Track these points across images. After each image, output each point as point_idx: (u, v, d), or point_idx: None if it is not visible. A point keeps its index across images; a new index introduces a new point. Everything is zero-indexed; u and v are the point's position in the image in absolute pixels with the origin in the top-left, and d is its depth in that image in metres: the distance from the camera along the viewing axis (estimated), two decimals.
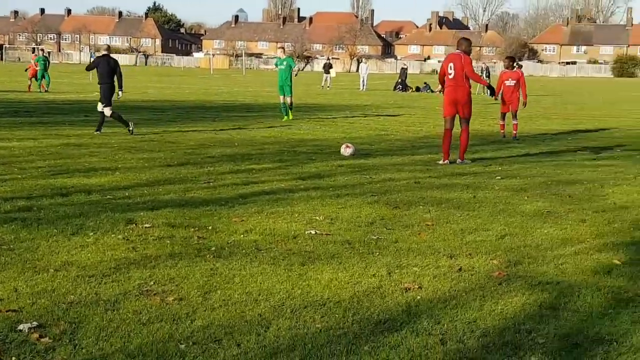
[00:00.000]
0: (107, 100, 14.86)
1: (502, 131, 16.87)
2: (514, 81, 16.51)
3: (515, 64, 16.84)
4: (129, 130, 14.89)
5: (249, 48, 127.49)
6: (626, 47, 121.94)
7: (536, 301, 4.90)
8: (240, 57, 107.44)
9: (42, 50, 34.66)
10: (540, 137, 17.03)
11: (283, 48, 20.91)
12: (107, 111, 14.86)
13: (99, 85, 15.01)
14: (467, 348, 4.11)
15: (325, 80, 46.35)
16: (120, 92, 15.25)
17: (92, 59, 48.41)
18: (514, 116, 16.60)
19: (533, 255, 6.11)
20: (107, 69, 14.77)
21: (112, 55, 15.42)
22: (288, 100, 19.64)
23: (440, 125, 14.24)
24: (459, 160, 12.02)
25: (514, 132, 16.56)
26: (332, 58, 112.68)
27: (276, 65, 19.89)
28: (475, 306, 4.78)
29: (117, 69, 14.88)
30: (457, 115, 12.02)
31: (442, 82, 12.19)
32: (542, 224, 7.30)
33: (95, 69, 15.08)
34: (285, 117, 19.68)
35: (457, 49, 12.00)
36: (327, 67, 47.56)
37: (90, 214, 7.17)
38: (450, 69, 11.75)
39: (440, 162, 11.98)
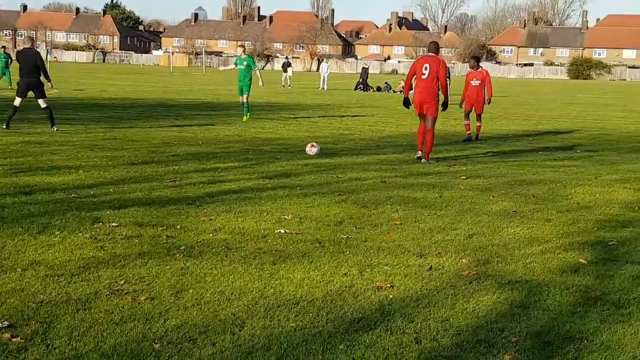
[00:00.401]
0: (42, 93, 15.01)
1: (469, 132, 16.52)
2: (479, 81, 16.49)
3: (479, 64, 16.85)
4: (53, 128, 14.94)
5: (209, 46, 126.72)
6: (582, 50, 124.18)
7: (507, 300, 4.97)
8: (200, 55, 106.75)
9: (4, 47, 33.89)
10: (502, 138, 17.25)
11: (243, 47, 20.40)
12: (43, 103, 14.97)
13: (20, 79, 14.97)
14: (441, 346, 4.15)
15: (285, 79, 46.41)
16: (50, 84, 15.47)
17: (49, 56, 46.54)
18: (479, 118, 16.68)
19: (501, 254, 6.19)
20: (31, 62, 14.74)
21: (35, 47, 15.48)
22: (245, 98, 19.35)
23: (403, 125, 14.36)
24: (424, 160, 12.16)
25: (477, 133, 16.65)
26: (293, 57, 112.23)
27: (236, 64, 19.57)
28: (448, 305, 4.83)
29: (40, 61, 14.90)
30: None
31: (410, 83, 12.56)
32: (508, 224, 7.39)
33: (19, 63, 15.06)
34: (245, 117, 19.47)
35: (430, 52, 12.32)
36: (286, 66, 47.68)
37: (56, 212, 7.06)
38: (425, 69, 12.00)
39: (416, 155, 12.51)
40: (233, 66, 19.82)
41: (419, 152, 12.34)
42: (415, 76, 12.23)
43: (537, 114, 27.32)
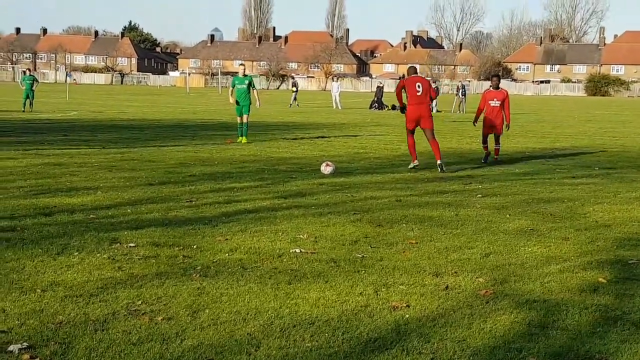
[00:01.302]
0: None
1: (487, 151, 15.59)
2: (499, 101, 15.47)
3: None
4: None
5: (225, 67, 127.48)
6: (599, 66, 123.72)
7: (524, 319, 4.94)
8: (216, 76, 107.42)
9: (28, 70, 34.39)
10: (519, 155, 17.19)
11: (244, 66, 19.75)
12: None
13: None
14: None
15: (294, 99, 46.45)
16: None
17: (68, 78, 47.35)
18: (497, 140, 15.72)
19: (518, 273, 6.16)
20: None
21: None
22: (245, 119, 18.62)
23: (418, 143, 14.37)
24: (439, 162, 13.51)
25: (496, 156, 15.68)
26: (308, 77, 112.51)
27: (234, 85, 18.68)
28: (464, 324, 4.81)
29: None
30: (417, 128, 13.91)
31: (400, 94, 14.41)
32: (525, 242, 7.36)
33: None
34: (241, 138, 18.59)
35: (415, 74, 14.23)
36: (292, 85, 47.98)
37: (75, 233, 7.13)
38: (419, 87, 13.80)
39: (411, 164, 13.82)
40: (231, 88, 18.86)
41: (415, 161, 13.83)
42: (405, 93, 13.94)
43: (554, 131, 27.21)
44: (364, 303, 5.22)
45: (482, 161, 15.37)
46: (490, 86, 16.00)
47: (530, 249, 7.07)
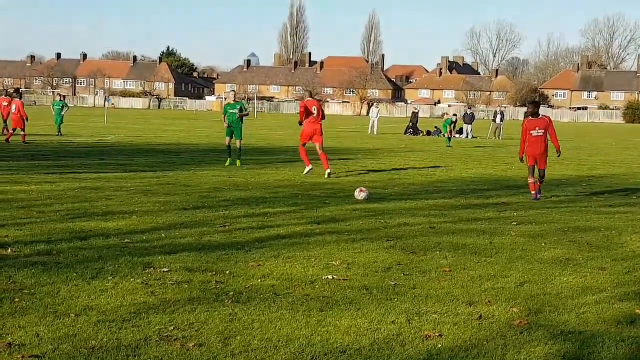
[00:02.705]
0: None
1: (534, 192, 13.70)
2: (542, 130, 13.71)
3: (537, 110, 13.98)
4: None
5: (261, 92, 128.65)
6: (637, 94, 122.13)
7: (559, 351, 4.86)
8: (252, 101, 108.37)
9: (60, 95, 35.05)
10: (555, 183, 16.99)
11: (235, 92, 20.91)
12: None
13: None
14: None
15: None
16: None
17: (107, 103, 48.36)
18: (542, 174, 13.95)
19: (554, 303, 6.07)
20: None
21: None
22: (238, 144, 19.30)
23: (453, 169, 14.27)
24: (328, 170, 16.55)
25: (538, 194, 13.75)
26: (343, 102, 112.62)
27: (225, 112, 19.50)
28: (498, 355, 4.74)
29: None
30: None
31: (302, 116, 17.07)
32: (561, 272, 7.26)
33: None
34: (229, 160, 19.16)
35: (311, 97, 17.65)
36: None
37: (109, 258, 7.20)
38: (314, 110, 17.05)
39: (306, 170, 16.76)
40: (224, 115, 19.54)
41: (309, 166, 16.85)
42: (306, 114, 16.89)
43: (591, 158, 26.88)
44: (396, 332, 5.18)
45: (534, 199, 13.50)
46: (528, 114, 14.16)
47: (566, 279, 6.96)
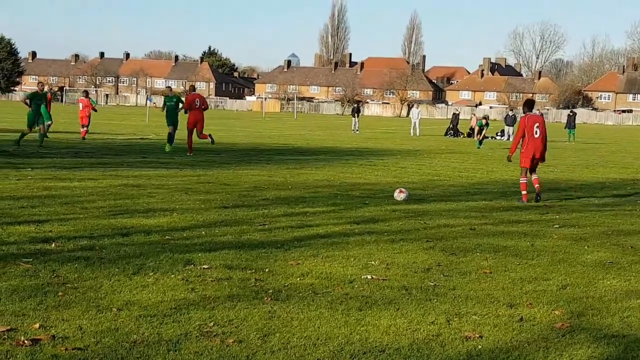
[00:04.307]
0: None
1: (524, 192, 13.11)
2: (541, 127, 13.30)
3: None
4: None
5: (301, 92, 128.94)
6: None
7: (602, 355, 4.78)
8: (291, 101, 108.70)
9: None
10: (599, 186, 16.74)
11: (170, 88, 25.96)
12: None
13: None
14: None
15: (355, 124, 45.73)
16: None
17: (149, 102, 49.18)
18: (536, 164, 13.52)
19: (597, 306, 5.97)
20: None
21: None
22: (171, 129, 22.71)
23: (493, 171, 14.13)
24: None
25: (538, 196, 13.15)
26: (383, 102, 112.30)
27: (165, 102, 23.40)
28: (539, 358, 4.69)
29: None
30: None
31: (187, 106, 21.36)
32: (604, 275, 7.14)
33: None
34: (168, 146, 22.31)
35: (193, 91, 21.60)
36: (355, 111, 46.93)
37: (150, 254, 7.28)
38: (197, 102, 21.13)
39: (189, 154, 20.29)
40: (163, 104, 23.63)
41: (190, 153, 20.65)
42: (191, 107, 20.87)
43: (636, 162, 26.41)
44: (435, 332, 5.15)
45: (523, 201, 13.02)
46: (525, 112, 13.63)
47: (609, 282, 6.85)
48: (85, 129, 27.22)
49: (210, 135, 21.57)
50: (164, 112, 23.35)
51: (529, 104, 13.76)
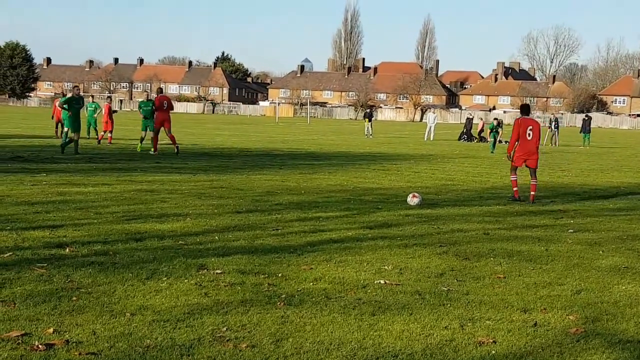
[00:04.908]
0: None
1: (516, 188, 13.85)
2: (534, 130, 13.82)
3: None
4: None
5: (314, 97, 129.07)
6: None
7: None
8: (305, 106, 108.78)
9: (91, 96, 35.54)
10: (613, 190, 16.64)
11: (147, 93, 27.20)
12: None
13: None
14: None
15: (367, 129, 45.41)
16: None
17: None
18: (533, 174, 13.96)
19: (611, 312, 5.93)
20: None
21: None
22: (144, 134, 24.28)
23: (507, 176, 14.11)
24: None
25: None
26: (396, 107, 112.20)
27: (140, 107, 25.15)
28: None
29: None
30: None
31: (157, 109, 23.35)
32: (619, 280, 7.10)
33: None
34: (140, 146, 23.91)
35: (160, 92, 23.77)
36: (368, 116, 46.56)
37: (164, 259, 7.31)
38: (165, 104, 23.20)
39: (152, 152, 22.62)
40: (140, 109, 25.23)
41: (156, 152, 22.34)
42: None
43: None
44: (449, 337, 5.13)
45: (513, 198, 13.76)
46: (521, 115, 14.14)
47: (624, 287, 6.80)
48: (110, 134, 28.64)
49: (177, 145, 23.02)
50: (142, 117, 24.76)
51: (525, 109, 14.49)
